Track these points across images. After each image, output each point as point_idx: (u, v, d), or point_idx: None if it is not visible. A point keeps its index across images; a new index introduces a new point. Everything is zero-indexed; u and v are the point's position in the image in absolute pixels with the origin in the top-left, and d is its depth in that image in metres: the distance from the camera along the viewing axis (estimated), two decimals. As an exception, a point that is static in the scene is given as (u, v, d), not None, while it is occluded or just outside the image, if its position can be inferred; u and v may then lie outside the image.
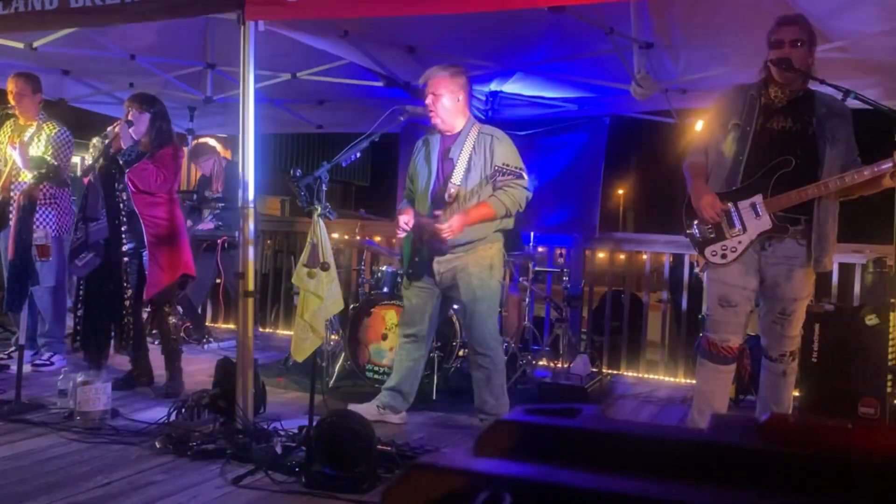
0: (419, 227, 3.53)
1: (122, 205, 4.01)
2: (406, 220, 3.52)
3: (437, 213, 3.45)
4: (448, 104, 3.51)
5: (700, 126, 6.01)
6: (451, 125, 3.56)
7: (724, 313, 3.17)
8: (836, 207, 3.09)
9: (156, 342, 4.36)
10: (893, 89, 4.35)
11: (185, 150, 5.44)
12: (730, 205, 3.11)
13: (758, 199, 3.05)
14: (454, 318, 4.26)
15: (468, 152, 3.48)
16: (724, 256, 3.14)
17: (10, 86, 4.55)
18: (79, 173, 4.73)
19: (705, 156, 3.27)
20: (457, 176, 3.45)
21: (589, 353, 5.07)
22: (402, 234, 3.62)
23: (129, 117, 3.99)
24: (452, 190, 3.43)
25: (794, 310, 3.11)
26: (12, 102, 4.54)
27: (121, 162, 3.94)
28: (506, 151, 3.49)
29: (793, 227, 3.04)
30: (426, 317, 3.65)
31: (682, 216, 3.30)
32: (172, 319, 4.16)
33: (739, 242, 3.10)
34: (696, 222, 3.22)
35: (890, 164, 2.85)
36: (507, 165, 3.31)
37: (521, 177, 3.33)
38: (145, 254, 3.98)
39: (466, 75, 3.63)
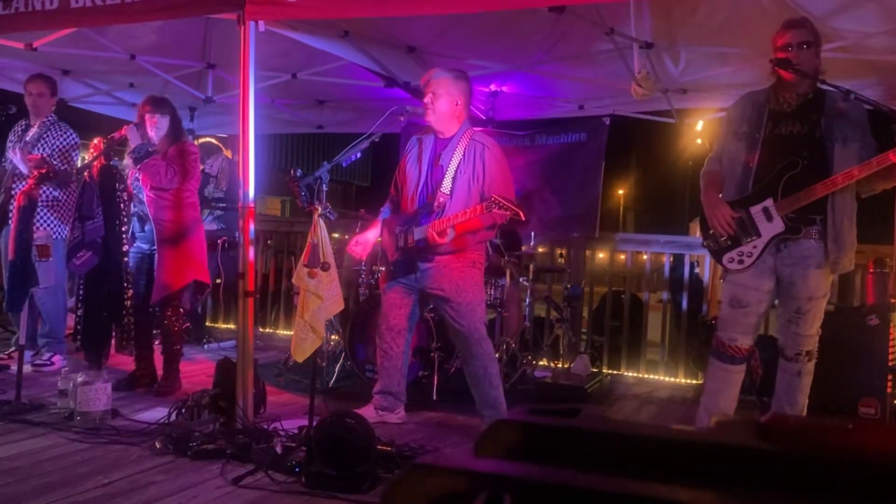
0: (398, 233, 3.57)
1: (122, 205, 4.02)
2: (360, 250, 3.79)
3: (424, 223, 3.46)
4: (445, 106, 3.50)
5: (700, 126, 6.08)
6: (444, 128, 3.55)
7: (734, 313, 3.19)
8: (853, 207, 3.08)
9: (157, 342, 4.36)
10: (893, 89, 4.35)
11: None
12: (742, 211, 3.13)
13: (769, 202, 3.07)
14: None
15: (457, 160, 3.48)
16: (741, 262, 3.16)
17: (30, 87, 4.59)
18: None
19: (720, 165, 3.30)
20: (445, 185, 3.46)
21: (589, 353, 5.06)
22: (354, 252, 3.83)
23: (145, 120, 4.05)
24: (441, 199, 3.45)
25: (810, 308, 3.10)
26: (29, 103, 4.58)
27: (131, 159, 3.98)
28: (495, 166, 3.48)
29: (806, 227, 3.04)
30: (403, 311, 3.67)
31: (699, 227, 3.35)
32: (178, 323, 4.15)
33: (755, 247, 3.12)
34: (711, 232, 3.25)
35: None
36: (503, 199, 3.19)
37: (516, 214, 3.20)
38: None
39: (469, 81, 3.61)
